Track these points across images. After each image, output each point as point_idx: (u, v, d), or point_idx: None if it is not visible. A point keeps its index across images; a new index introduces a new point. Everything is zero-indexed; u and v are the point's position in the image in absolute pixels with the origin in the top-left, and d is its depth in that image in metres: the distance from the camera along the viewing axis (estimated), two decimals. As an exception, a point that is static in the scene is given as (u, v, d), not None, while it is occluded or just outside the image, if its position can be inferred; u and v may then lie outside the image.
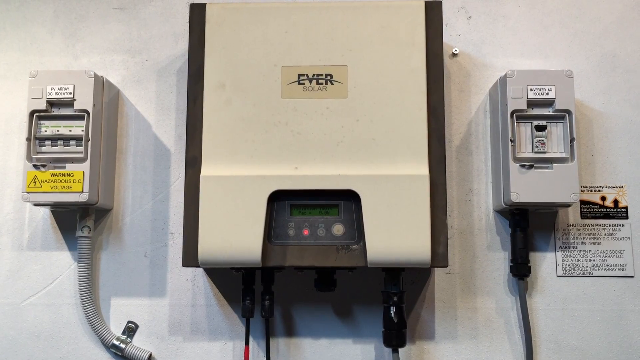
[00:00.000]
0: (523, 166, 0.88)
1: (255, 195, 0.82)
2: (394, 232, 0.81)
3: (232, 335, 0.93)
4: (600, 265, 0.94)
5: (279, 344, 0.93)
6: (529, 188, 0.87)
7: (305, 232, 0.83)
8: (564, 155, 0.89)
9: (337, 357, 0.93)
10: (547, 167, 0.88)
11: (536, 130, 0.89)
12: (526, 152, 0.89)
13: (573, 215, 0.96)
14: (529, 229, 0.92)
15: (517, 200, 0.87)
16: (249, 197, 0.82)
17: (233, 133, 0.84)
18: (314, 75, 0.85)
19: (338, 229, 0.84)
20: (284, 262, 0.82)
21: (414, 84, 0.85)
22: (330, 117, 0.84)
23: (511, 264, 0.93)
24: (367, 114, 0.84)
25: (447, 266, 0.82)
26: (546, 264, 0.94)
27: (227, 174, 0.83)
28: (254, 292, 0.88)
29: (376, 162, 0.83)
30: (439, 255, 0.82)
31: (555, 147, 0.89)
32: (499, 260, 0.95)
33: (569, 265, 0.94)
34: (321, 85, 0.85)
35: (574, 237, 0.95)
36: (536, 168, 0.88)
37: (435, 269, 0.95)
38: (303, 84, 0.85)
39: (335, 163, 0.83)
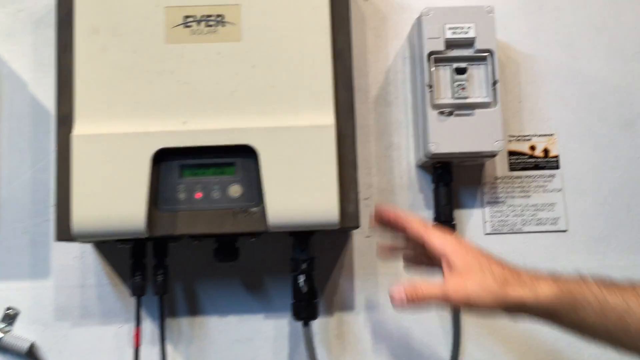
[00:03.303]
0: (442, 113, 0.79)
1: (137, 155, 0.71)
2: (297, 191, 0.71)
3: (127, 317, 0.83)
4: (530, 220, 0.87)
5: (181, 323, 0.83)
6: (449, 137, 0.79)
7: (198, 195, 0.73)
8: (486, 99, 0.80)
9: (248, 334, 0.83)
10: (468, 114, 0.80)
11: (456, 74, 0.81)
12: (445, 98, 0.81)
13: (501, 167, 0.88)
14: (452, 183, 0.84)
15: (436, 151, 0.79)
16: (129, 157, 0.71)
17: (110, 85, 0.73)
18: (202, 16, 0.74)
19: (235, 190, 0.74)
20: (173, 230, 0.72)
21: (316, 23, 0.74)
22: (222, 64, 0.74)
23: (435, 223, 0.84)
24: (264, 59, 0.74)
25: (358, 226, 0.73)
26: (473, 221, 0.87)
27: (103, 132, 0.71)
28: (144, 267, 0.78)
29: (275, 112, 0.73)
30: (349, 214, 0.73)
31: (477, 91, 0.81)
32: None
33: (497, 221, 0.86)
34: (211, 28, 0.74)
35: (502, 191, 0.87)
36: (456, 115, 0.80)
37: (354, 232, 0.86)
38: (190, 26, 0.74)
39: (230, 115, 0.73)
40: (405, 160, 0.87)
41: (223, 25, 0.74)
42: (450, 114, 0.79)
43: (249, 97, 0.73)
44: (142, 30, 0.74)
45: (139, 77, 0.73)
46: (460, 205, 0.86)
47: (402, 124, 0.88)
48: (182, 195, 0.73)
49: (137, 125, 0.72)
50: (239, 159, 0.74)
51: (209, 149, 0.73)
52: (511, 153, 0.88)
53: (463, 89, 0.80)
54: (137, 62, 0.73)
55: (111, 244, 0.81)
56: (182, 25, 0.74)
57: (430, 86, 0.80)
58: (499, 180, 0.87)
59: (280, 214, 0.71)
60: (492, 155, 0.82)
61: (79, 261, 0.83)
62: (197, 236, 0.74)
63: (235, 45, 0.74)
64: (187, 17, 0.74)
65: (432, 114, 0.79)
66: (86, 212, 0.70)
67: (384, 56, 0.90)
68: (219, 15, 0.74)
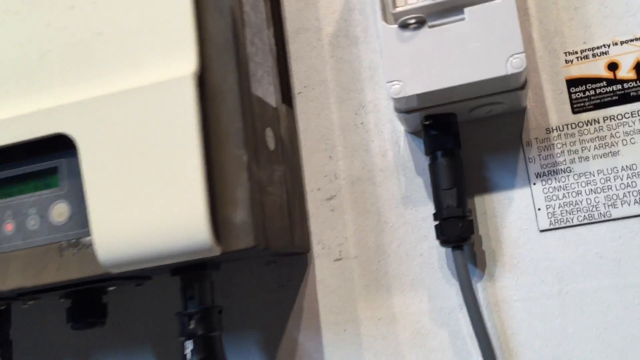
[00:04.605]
0: (405, 27, 0.44)
1: None
2: (139, 200, 0.41)
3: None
4: (623, 195, 0.47)
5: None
6: (423, 66, 0.44)
7: (8, 227, 0.45)
8: (486, -13, 0.44)
9: None
10: (453, 20, 0.44)
11: (427, -44, 0.45)
12: (412, 2, 0.45)
13: (557, 109, 0.50)
14: (461, 150, 0.48)
15: (399, 95, 0.44)
16: None
17: None
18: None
19: (60, 211, 0.45)
20: (-28, 288, 0.45)
21: None
22: (25, 14, 0.46)
23: (437, 222, 0.48)
24: (85, -7, 0.45)
25: (255, 246, 0.40)
26: (515, 211, 0.49)
27: None
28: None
29: (107, 75, 0.44)
30: (234, 226, 0.41)
31: (469, -23, 0.45)
32: (427, 221, 0.51)
33: (560, 206, 0.48)
34: (9, -38, 0.47)
35: (562, 152, 0.49)
36: (432, 26, 0.44)
37: (316, 254, 0.53)
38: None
39: (39, 92, 0.45)
40: (388, 126, 0.53)
41: (24, -45, 0.47)
42: (419, 25, 0.44)
43: (68, 57, 0.45)
44: None
45: None
46: (489, 187, 0.50)
47: (378, 68, 0.54)
48: (-16, 231, 0.46)
49: None
50: (63, 159, 0.45)
51: (16, 151, 0.45)
52: (573, 82, 0.50)
53: (443, -22, 0.45)
54: None
55: None
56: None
57: (383, -14, 0.46)
58: (554, 135, 0.49)
59: (115, 244, 0.41)
60: (517, 87, 0.45)
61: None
62: (9, 296, 0.45)
63: (44, -18, 0.46)
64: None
65: (389, 32, 0.44)
66: None
67: (340, -30, 0.56)
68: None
